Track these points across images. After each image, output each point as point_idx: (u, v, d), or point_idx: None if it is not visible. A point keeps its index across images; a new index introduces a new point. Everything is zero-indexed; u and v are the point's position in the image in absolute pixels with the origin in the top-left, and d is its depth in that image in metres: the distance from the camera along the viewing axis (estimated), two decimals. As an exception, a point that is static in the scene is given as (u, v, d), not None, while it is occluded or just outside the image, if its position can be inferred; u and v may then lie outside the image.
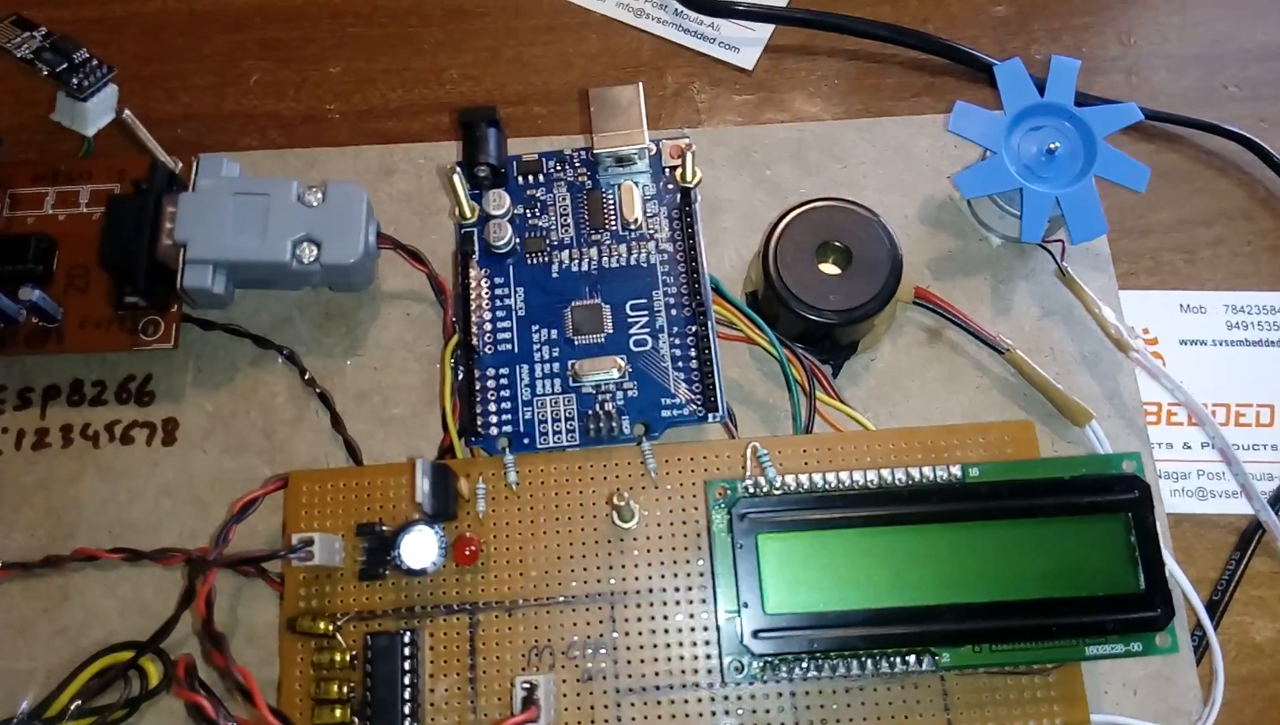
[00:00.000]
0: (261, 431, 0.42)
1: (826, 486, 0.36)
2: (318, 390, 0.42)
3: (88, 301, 0.42)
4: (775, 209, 0.45)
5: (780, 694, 0.37)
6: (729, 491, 0.37)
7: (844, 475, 0.37)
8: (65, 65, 0.46)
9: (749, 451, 0.38)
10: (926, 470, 0.37)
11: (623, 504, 0.37)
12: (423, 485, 0.36)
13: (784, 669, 0.35)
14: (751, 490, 0.37)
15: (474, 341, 0.40)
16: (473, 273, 0.41)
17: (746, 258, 0.45)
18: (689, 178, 0.42)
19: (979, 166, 0.44)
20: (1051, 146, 0.44)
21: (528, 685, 0.35)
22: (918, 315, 0.45)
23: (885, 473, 0.37)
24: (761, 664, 0.35)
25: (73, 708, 0.37)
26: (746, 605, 0.34)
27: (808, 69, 0.53)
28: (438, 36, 0.53)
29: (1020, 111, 0.44)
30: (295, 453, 0.42)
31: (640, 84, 0.43)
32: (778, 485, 0.37)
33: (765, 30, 0.53)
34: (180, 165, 0.43)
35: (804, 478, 0.37)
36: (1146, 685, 0.40)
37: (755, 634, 0.34)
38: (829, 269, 0.42)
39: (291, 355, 0.43)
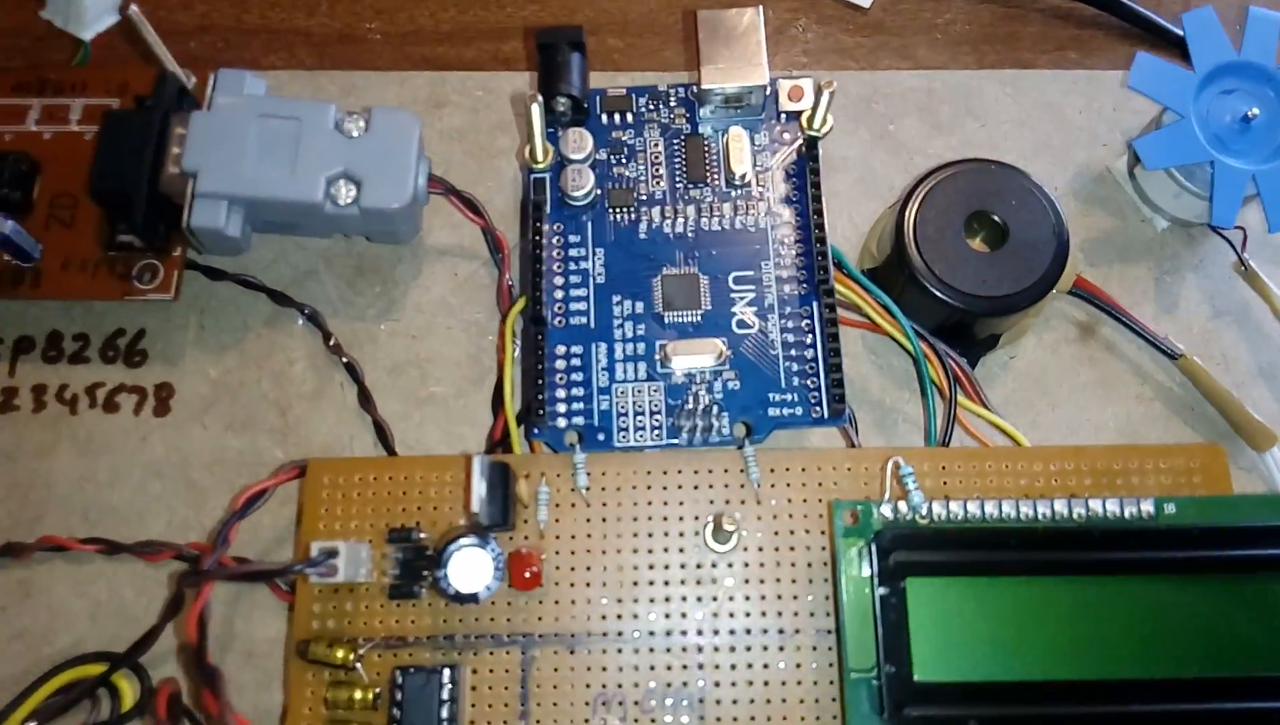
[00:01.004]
0: (274, 405, 0.37)
1: (988, 518, 0.29)
2: (344, 359, 0.37)
3: (73, 238, 0.37)
4: (899, 171, 0.40)
5: (907, 771, 0.30)
6: (862, 517, 0.29)
7: (1007, 505, 0.30)
8: (60, -49, 0.39)
9: (889, 468, 0.30)
10: (1111, 504, 0.30)
11: (730, 524, 0.29)
12: (479, 489, 0.29)
13: (926, 748, 0.27)
14: (890, 517, 0.29)
15: (542, 311, 0.35)
16: (544, 227, 0.36)
17: (862, 227, 0.40)
18: (818, 125, 0.35)
19: (1165, 133, 0.37)
20: (1250, 113, 0.36)
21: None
22: (1067, 306, 0.39)
23: (1058, 505, 0.30)
24: (900, 741, 0.28)
25: (28, 729, 0.32)
26: (891, 669, 0.27)
27: (933, 10, 0.45)
28: (499, -50, 0.45)
29: (1212, 70, 0.37)
30: (313, 434, 0.37)
31: (760, 7, 0.35)
32: (924, 513, 0.29)
33: (886, -37, 0.45)
34: (194, 81, 0.38)
35: (957, 505, 0.30)
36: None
37: (899, 705, 0.27)
38: (977, 246, 0.36)
39: (314, 315, 0.38)
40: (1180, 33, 0.40)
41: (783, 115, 0.37)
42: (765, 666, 0.31)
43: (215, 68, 0.37)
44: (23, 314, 0.38)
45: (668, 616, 0.32)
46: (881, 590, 0.28)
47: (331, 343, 0.37)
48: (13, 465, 0.36)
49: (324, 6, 0.44)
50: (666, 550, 0.32)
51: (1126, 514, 0.30)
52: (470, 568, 0.29)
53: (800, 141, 0.37)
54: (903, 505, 0.30)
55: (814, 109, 0.35)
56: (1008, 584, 0.28)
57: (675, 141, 0.37)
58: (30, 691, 0.32)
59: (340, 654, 0.31)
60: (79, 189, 0.37)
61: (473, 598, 0.29)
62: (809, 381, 0.34)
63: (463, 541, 0.29)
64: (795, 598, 0.32)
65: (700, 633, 0.31)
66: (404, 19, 0.44)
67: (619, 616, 0.32)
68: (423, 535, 0.32)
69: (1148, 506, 0.30)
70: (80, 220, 0.37)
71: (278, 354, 0.38)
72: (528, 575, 0.30)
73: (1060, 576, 0.28)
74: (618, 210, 0.36)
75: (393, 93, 0.41)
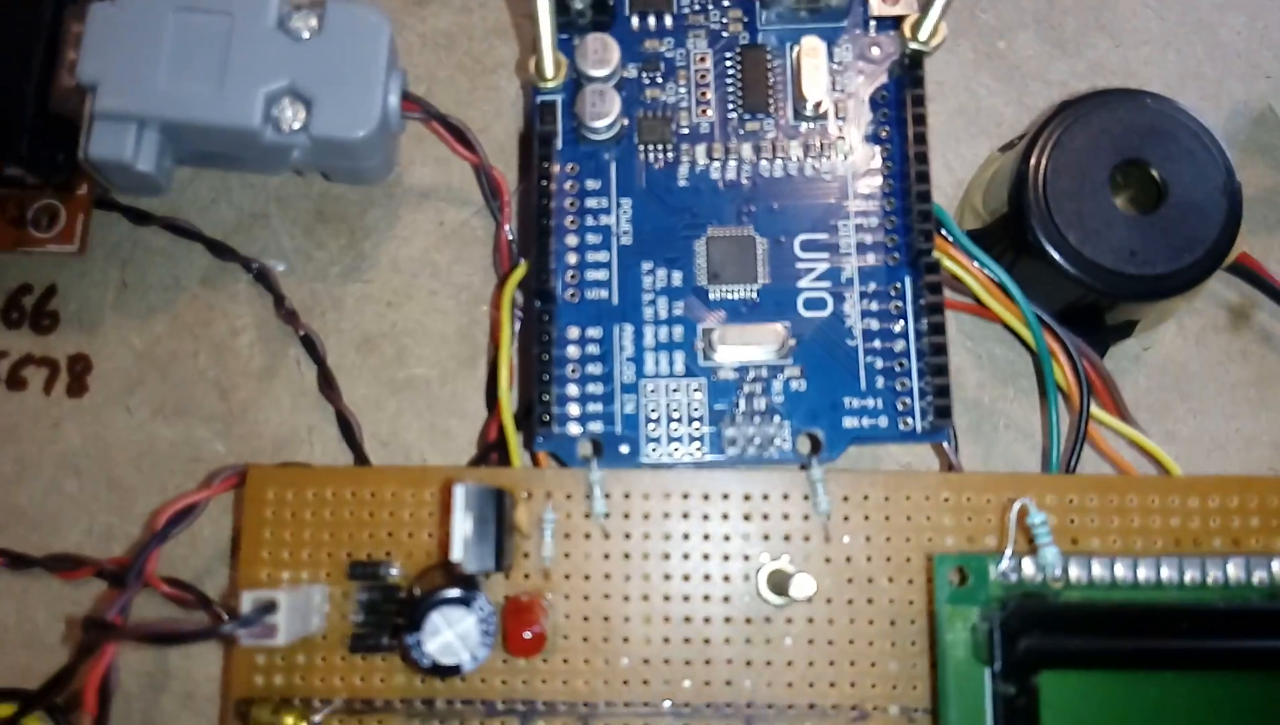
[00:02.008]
0: (214, 386, 0.32)
1: (1142, 583, 0.23)
2: (300, 331, 0.32)
3: None
4: (1011, 101, 0.34)
5: None
6: (974, 577, 0.23)
7: (1166, 567, 0.24)
8: None
9: (1015, 514, 0.23)
10: None
11: (797, 585, 0.23)
12: (462, 529, 0.23)
13: None
14: (1011, 578, 0.23)
15: (549, 282, 0.28)
16: (553, 169, 0.30)
17: (961, 173, 0.34)
18: (927, 35, 0.28)
19: None
20: None
21: None
22: (1216, 284, 0.33)
23: (1233, 567, 0.23)
24: None
25: (-85, 784, 0.29)
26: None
27: (1055, -107, 0.37)
28: None
29: None
30: (263, 423, 0.32)
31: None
32: (1057, 575, 0.23)
33: None
34: None
35: (1100, 566, 0.23)
36: None
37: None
38: (1124, 205, 0.29)
39: (263, 272, 0.33)
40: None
41: (872, 23, 0.31)
42: (832, 752, 0.25)
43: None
44: (-95, 264, 0.33)
45: (708, 684, 0.26)
46: (1007, 688, 0.21)
47: (285, 308, 0.32)
48: (-103, 455, 0.32)
49: None
50: (708, 599, 0.27)
51: (1326, 579, 0.23)
52: (452, 632, 0.23)
53: (898, 58, 0.30)
54: (1029, 563, 0.23)
55: (923, 14, 0.28)
56: (1174, 680, 0.22)
57: (729, 55, 0.31)
58: (-76, 733, 0.29)
59: (290, 721, 0.26)
60: (-41, 105, 0.31)
61: (454, 670, 0.23)
62: (898, 383, 0.28)
63: (442, 596, 0.23)
64: (874, 665, 0.26)
65: (750, 705, 0.26)
66: (379, -112, 0.37)
67: (645, 682, 0.26)
68: (394, 571, 0.26)
69: (1355, 570, 0.23)
70: (-38, 147, 0.32)
71: (218, 321, 0.33)
72: (527, 637, 0.24)
73: (1242, 671, 0.22)
74: (651, 147, 0.31)
75: (362, -18, 0.36)
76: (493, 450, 0.29)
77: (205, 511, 0.30)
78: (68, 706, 0.28)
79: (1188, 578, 0.23)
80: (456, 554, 0.22)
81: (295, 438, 0.32)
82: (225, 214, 0.33)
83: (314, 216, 0.34)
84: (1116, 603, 0.22)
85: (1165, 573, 0.23)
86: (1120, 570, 0.23)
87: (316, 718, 0.25)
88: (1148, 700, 0.22)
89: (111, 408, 0.32)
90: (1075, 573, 0.23)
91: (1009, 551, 0.23)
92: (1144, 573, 0.23)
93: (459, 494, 0.23)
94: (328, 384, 0.31)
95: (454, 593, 0.23)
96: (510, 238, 0.31)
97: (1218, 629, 0.22)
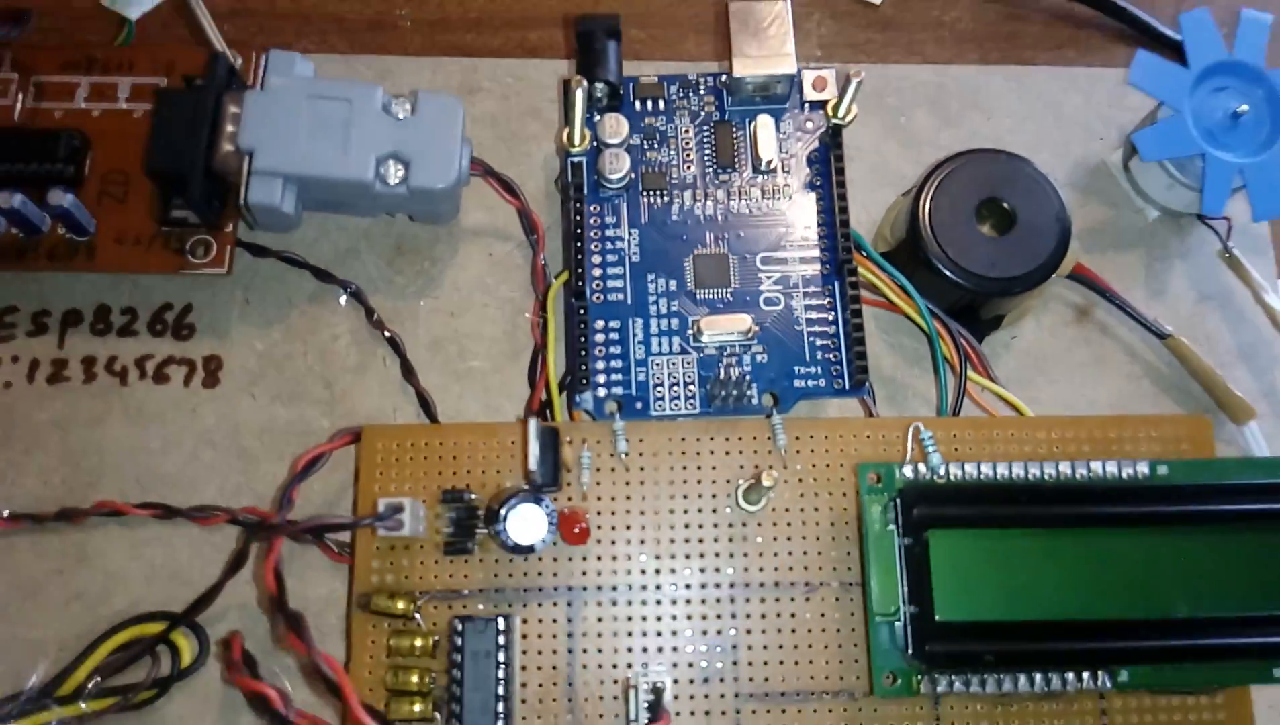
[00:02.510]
0: (320, 378, 0.38)
1: (1000, 478, 0.32)
2: (386, 334, 0.38)
3: (125, 214, 0.38)
4: (910, 161, 0.42)
5: (921, 707, 0.32)
6: (885, 477, 0.32)
7: (1016, 467, 0.32)
8: (108, -67, 0.40)
9: (911, 432, 0.33)
10: (1110, 466, 0.32)
11: (768, 479, 0.32)
12: (534, 450, 0.31)
13: (943, 683, 0.30)
14: (911, 477, 0.32)
15: (582, 287, 0.36)
16: (583, 209, 0.37)
17: (874, 213, 0.42)
18: (844, 114, 0.37)
19: (1161, 127, 0.39)
20: (1239, 110, 0.39)
21: (653, 687, 0.30)
22: (1065, 290, 0.41)
23: (1063, 467, 0.32)
24: (919, 677, 0.30)
25: (91, 685, 0.33)
26: (915, 609, 0.30)
27: (940, 8, 0.47)
28: (525, -59, 0.47)
29: (1206, 68, 0.39)
30: (358, 405, 0.38)
31: (789, 1, 0.37)
32: (941, 473, 0.32)
33: (895, -38, 0.47)
34: (240, 61, 0.39)
35: (971, 467, 0.32)
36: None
37: (922, 642, 0.30)
38: (987, 231, 0.38)
39: (357, 292, 0.39)
40: (1171, 35, 0.44)
41: (806, 104, 0.39)
42: (793, 616, 0.33)
43: (251, 50, 0.38)
44: (70, 288, 0.39)
45: (703, 571, 0.34)
46: (906, 541, 0.30)
47: (374, 318, 0.38)
48: (65, 434, 0.37)
49: (356, -8, 0.45)
50: (700, 511, 0.34)
51: (1124, 475, 0.33)
52: (526, 522, 0.31)
53: (825, 129, 0.38)
54: (922, 467, 0.32)
55: (840, 98, 0.37)
56: (1019, 535, 0.31)
57: (705, 128, 0.38)
58: (93, 649, 0.34)
59: (401, 605, 0.32)
60: (130, 166, 0.37)
61: (529, 549, 0.32)
62: (831, 355, 0.36)
63: (519, 498, 0.31)
64: (820, 553, 0.34)
65: (733, 585, 0.33)
66: (433, 6, 0.45)
67: (657, 571, 0.34)
68: (473, 496, 0.34)
69: (1143, 468, 0.33)
70: (132, 196, 0.38)
71: (322, 329, 0.39)
72: (577, 530, 0.32)
73: (1066, 529, 0.31)
74: (651, 193, 0.38)
75: (426, 78, 0.42)
76: (535, 417, 0.36)
77: (320, 469, 0.35)
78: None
79: (1031, 474, 0.32)
80: (532, 464, 0.31)
81: (383, 414, 0.37)
82: (325, 249, 0.39)
83: (394, 250, 0.39)
84: (980, 485, 0.32)
85: (1016, 472, 0.32)
86: (985, 470, 0.32)
87: (419, 602, 0.32)
88: (1003, 549, 0.30)
89: (239, 395, 0.37)
90: (954, 471, 0.32)
91: (909, 457, 0.33)
92: (1001, 471, 0.32)
93: (532, 425, 0.31)
94: (408, 373, 0.37)
95: (527, 495, 0.32)
96: (544, 263, 0.38)
97: (1051, 499, 0.31)
